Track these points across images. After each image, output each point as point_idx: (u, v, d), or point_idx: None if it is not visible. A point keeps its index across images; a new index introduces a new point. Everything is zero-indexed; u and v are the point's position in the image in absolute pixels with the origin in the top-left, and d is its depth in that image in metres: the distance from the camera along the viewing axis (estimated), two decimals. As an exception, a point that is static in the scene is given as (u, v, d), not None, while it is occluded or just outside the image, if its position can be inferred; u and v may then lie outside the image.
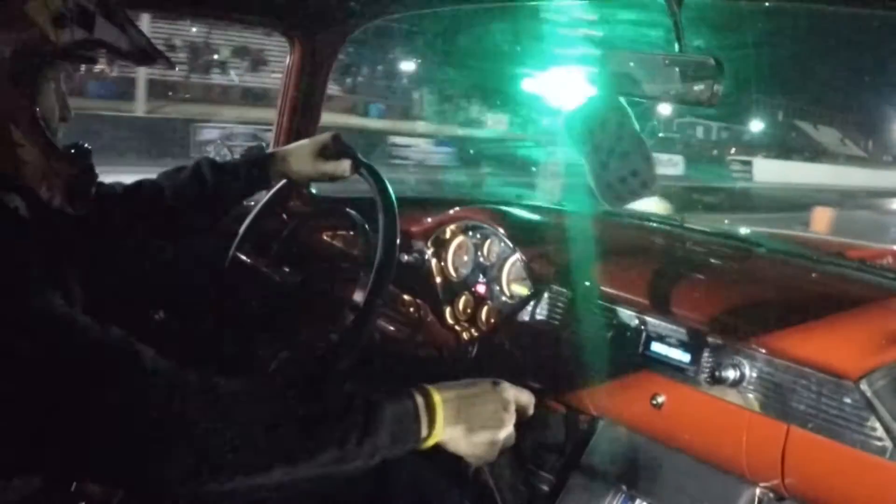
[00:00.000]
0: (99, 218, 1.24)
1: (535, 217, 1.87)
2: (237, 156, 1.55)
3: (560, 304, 1.61)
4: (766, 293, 1.37)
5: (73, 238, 1.04)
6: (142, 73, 13.32)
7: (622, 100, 1.29)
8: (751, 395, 1.28)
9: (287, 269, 1.57)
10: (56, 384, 0.80)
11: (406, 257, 1.92)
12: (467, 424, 0.98)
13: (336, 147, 1.48)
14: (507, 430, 1.02)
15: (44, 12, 0.91)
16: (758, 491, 1.29)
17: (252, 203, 1.66)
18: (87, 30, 0.95)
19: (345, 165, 1.47)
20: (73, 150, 1.02)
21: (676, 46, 1.48)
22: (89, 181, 1.05)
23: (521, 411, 1.05)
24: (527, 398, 1.06)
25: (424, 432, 0.96)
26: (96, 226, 1.21)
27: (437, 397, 0.97)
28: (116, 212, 1.36)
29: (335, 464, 0.89)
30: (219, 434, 0.83)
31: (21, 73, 0.91)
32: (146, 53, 1.06)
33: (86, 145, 1.05)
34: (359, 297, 1.43)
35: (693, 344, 1.37)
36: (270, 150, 1.57)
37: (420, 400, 0.97)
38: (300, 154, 1.49)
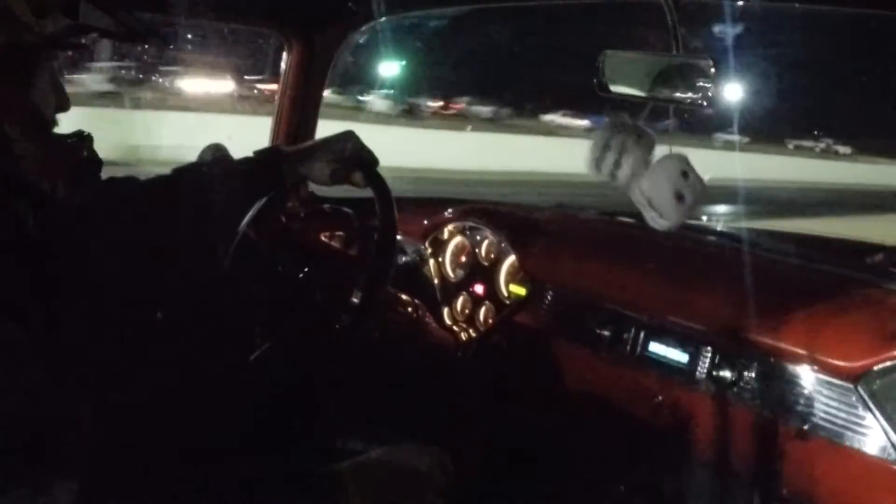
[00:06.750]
0: (107, 215, 1.22)
1: (533, 217, 1.87)
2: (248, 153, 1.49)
3: (558, 305, 1.61)
4: (764, 293, 1.36)
5: (75, 236, 1.03)
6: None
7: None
8: (749, 396, 1.28)
9: (285, 270, 1.57)
10: None
11: (404, 258, 1.92)
12: None
13: (351, 150, 1.41)
14: None
15: (24, 4, 0.88)
16: (757, 491, 1.30)
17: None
18: (71, 16, 0.93)
19: (359, 177, 1.39)
20: (73, 139, 1.01)
21: (673, 47, 1.49)
22: (92, 168, 1.04)
23: None
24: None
25: None
26: (102, 224, 1.19)
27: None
28: (126, 208, 1.33)
29: None
30: None
31: (8, 67, 0.89)
32: (136, 32, 1.04)
33: (87, 132, 1.04)
34: (356, 298, 1.43)
35: (692, 344, 1.37)
36: (286, 149, 1.49)
37: None
38: (317, 156, 1.41)
